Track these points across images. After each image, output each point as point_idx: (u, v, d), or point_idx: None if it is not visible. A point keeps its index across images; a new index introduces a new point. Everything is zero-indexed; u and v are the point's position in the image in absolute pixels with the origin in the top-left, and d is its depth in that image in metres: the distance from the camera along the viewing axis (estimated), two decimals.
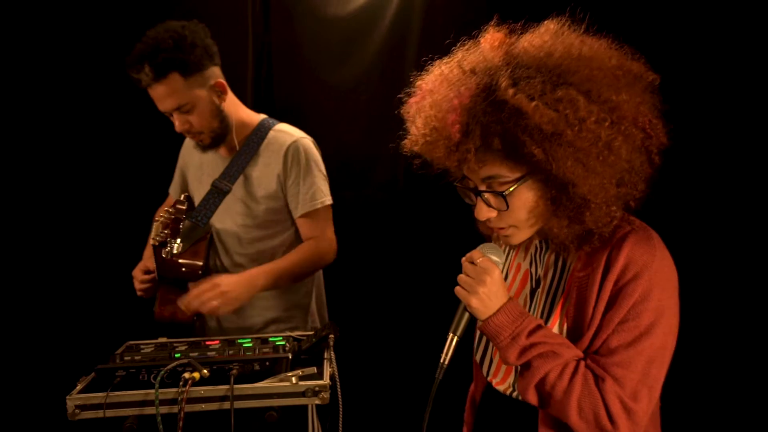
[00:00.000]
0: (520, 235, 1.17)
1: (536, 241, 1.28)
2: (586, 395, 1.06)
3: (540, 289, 1.24)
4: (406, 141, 1.20)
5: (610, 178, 1.06)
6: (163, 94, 1.76)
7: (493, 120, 1.03)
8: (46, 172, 2.59)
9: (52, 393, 1.69)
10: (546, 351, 1.08)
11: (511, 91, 1.01)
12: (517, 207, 1.11)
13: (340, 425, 1.49)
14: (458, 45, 1.20)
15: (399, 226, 2.61)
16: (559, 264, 1.22)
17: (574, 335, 1.12)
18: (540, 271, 1.25)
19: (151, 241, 1.92)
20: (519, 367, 1.13)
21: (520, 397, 1.16)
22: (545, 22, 1.14)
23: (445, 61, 1.19)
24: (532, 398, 1.11)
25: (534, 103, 0.99)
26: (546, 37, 1.10)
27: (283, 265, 1.88)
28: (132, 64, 1.73)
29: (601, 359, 1.08)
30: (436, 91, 1.13)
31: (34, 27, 2.49)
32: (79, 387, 1.41)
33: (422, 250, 2.63)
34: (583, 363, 1.09)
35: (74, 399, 1.35)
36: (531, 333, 1.10)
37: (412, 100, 1.19)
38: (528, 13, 1.19)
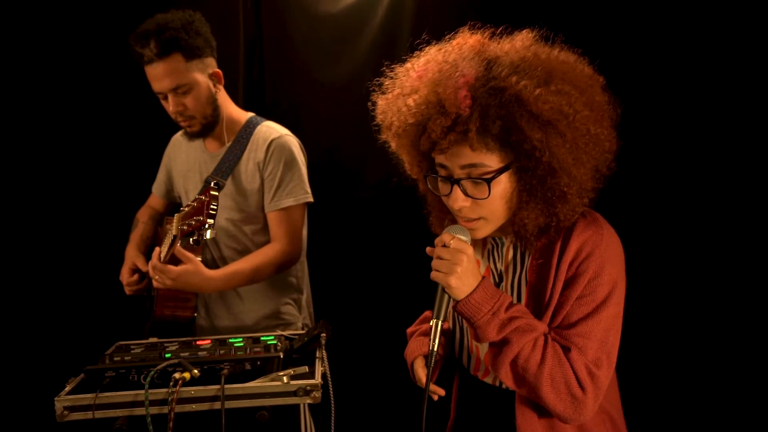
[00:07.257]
0: (487, 228, 1.20)
1: (491, 239, 1.31)
2: (557, 365, 1.12)
3: (504, 284, 1.27)
4: (393, 120, 1.19)
5: (589, 171, 1.13)
6: (162, 73, 1.78)
7: (495, 104, 1.05)
8: (34, 174, 2.57)
9: (40, 394, 1.67)
10: (522, 325, 1.13)
11: (514, 78, 1.05)
12: (494, 196, 1.13)
13: (332, 424, 1.49)
14: (428, 45, 1.22)
15: (391, 225, 2.60)
16: (518, 258, 1.26)
17: (535, 316, 1.18)
18: (501, 267, 1.29)
19: (136, 239, 1.91)
20: (494, 344, 1.16)
21: (503, 385, 1.21)
22: (522, 31, 1.19)
23: (432, 50, 1.21)
24: (506, 375, 1.15)
25: (537, 91, 1.04)
26: (527, 42, 1.15)
27: (241, 268, 1.86)
28: (138, 38, 1.76)
29: (563, 331, 1.14)
30: (430, 71, 1.13)
31: (21, 24, 2.46)
32: (68, 388, 1.40)
33: (414, 248, 2.61)
34: (550, 336, 1.15)
35: (63, 400, 1.34)
36: (508, 307, 1.14)
37: (403, 80, 1.20)
38: (512, 14, 1.21)
